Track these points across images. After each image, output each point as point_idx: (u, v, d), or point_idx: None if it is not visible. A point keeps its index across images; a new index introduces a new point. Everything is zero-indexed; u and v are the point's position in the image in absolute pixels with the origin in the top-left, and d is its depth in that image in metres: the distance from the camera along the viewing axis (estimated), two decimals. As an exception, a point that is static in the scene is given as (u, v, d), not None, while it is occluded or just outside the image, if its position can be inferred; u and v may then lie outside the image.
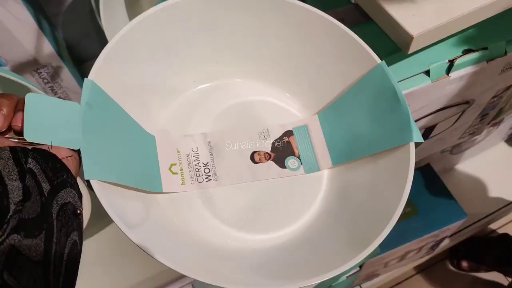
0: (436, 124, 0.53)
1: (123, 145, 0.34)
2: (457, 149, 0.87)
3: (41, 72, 0.56)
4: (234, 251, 0.37)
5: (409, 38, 0.37)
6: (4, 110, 0.28)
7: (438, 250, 0.90)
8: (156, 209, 0.36)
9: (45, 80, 0.57)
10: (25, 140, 0.28)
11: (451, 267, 1.01)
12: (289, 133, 0.42)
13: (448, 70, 0.44)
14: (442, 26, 0.37)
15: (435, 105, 0.48)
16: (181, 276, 0.58)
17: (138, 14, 0.43)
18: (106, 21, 0.52)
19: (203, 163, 0.39)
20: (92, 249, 0.59)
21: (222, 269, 0.34)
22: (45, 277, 0.23)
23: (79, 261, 0.26)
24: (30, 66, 0.54)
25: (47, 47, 0.53)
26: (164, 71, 0.40)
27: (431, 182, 0.79)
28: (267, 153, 0.41)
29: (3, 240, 0.22)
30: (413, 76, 0.43)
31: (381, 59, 0.42)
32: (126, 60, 0.36)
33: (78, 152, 0.30)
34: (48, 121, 0.29)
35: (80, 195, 0.28)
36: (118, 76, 0.35)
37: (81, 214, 0.27)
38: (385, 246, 0.70)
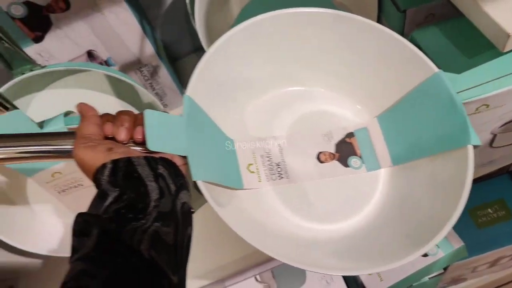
0: (536, 124, 0.49)
1: (213, 150, 0.39)
2: None
3: (142, 71, 0.62)
4: (307, 240, 0.40)
5: (505, 36, 0.35)
6: (126, 124, 0.34)
7: (537, 258, 0.83)
8: (238, 202, 0.41)
9: (146, 78, 0.63)
10: (146, 149, 0.33)
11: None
12: (350, 135, 0.45)
13: (551, 68, 0.40)
14: (545, 21, 0.35)
15: (535, 104, 0.44)
16: (249, 267, 0.61)
17: (228, 17, 0.47)
18: (199, 23, 0.56)
19: (275, 163, 0.43)
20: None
21: (296, 254, 0.38)
22: (175, 257, 0.28)
23: (190, 249, 0.31)
24: (134, 65, 0.61)
25: (149, 48, 0.59)
26: (243, 84, 0.45)
27: (530, 185, 0.73)
28: (331, 153, 0.44)
29: (149, 226, 0.28)
30: (509, 74, 0.40)
31: (473, 56, 0.41)
32: (213, 76, 0.41)
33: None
34: (162, 133, 0.34)
35: (190, 197, 0.33)
36: (207, 89, 0.40)
37: (193, 212, 0.32)
38: (473, 249, 0.67)
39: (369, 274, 0.63)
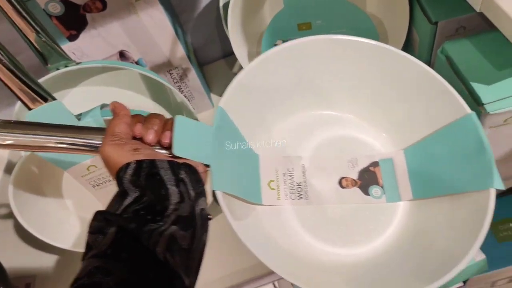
0: None
1: (237, 162, 0.40)
2: None
3: (172, 73, 0.63)
4: (316, 262, 0.41)
5: (540, 49, 0.35)
6: (156, 127, 0.34)
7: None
8: (256, 217, 0.41)
9: (175, 80, 0.64)
10: (171, 154, 0.34)
11: None
12: (375, 164, 0.45)
13: None
14: None
15: None
16: (267, 273, 0.61)
17: (259, 24, 0.48)
18: (232, 29, 0.57)
19: (296, 183, 0.44)
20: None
21: (302, 273, 0.38)
22: (188, 261, 0.29)
23: (204, 255, 0.32)
24: (164, 67, 0.62)
25: (180, 51, 0.61)
26: (276, 102, 0.46)
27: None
28: (354, 179, 0.44)
29: (166, 229, 0.28)
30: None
31: (504, 69, 0.41)
32: (248, 91, 0.42)
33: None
34: (189, 140, 0.34)
35: (207, 204, 0.33)
36: (241, 103, 0.41)
37: (210, 219, 0.32)
38: (493, 264, 0.66)
39: None
